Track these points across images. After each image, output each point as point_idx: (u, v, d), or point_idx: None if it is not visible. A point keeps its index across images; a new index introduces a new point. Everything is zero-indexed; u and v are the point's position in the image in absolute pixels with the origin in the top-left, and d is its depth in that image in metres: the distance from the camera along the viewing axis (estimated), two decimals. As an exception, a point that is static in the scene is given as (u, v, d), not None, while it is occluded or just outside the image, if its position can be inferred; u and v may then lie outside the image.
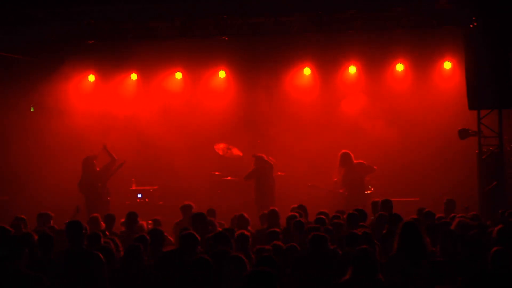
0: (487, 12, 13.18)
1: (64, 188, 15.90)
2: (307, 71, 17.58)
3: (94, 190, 15.09)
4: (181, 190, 16.48)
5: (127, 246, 7.93)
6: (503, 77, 13.11)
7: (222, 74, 17.87)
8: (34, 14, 14.36)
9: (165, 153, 17.37)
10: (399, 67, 17.25)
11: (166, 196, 16.88)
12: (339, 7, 14.14)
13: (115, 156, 15.48)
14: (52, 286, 6.65)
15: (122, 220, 11.23)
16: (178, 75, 17.97)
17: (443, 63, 17.08)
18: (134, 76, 18.03)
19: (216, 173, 17.07)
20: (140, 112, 17.83)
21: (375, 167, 15.16)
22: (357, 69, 17.38)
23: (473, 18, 13.36)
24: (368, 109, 17.25)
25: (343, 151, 15.05)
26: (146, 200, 16.79)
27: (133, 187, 17.03)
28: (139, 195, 16.85)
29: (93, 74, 17.99)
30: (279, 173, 16.00)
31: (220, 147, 16.76)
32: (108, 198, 15.34)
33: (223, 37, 14.98)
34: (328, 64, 17.30)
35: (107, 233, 10.07)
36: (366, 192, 15.17)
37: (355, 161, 14.98)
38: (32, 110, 17.46)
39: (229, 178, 16.84)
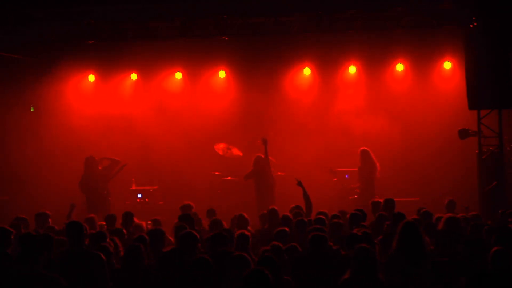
0: (487, 12, 13.18)
1: (64, 188, 15.89)
2: (307, 71, 17.58)
3: (95, 190, 15.08)
4: (181, 190, 16.46)
5: (127, 246, 7.92)
6: (503, 77, 13.11)
7: (222, 74, 17.88)
8: (34, 14, 14.36)
9: (165, 153, 17.37)
10: (399, 67, 17.25)
11: (166, 196, 16.88)
12: (339, 7, 14.15)
13: (116, 158, 15.53)
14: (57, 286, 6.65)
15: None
16: (178, 75, 17.97)
17: (443, 63, 17.08)
18: (134, 76, 18.03)
19: (216, 173, 17.07)
20: (140, 112, 17.82)
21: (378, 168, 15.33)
22: (357, 69, 17.38)
23: (473, 18, 13.36)
24: (368, 109, 17.24)
25: (362, 147, 15.37)
26: (146, 200, 16.78)
27: (133, 187, 17.02)
28: (139, 195, 16.85)
29: (93, 74, 17.98)
30: (279, 173, 16.00)
31: (220, 147, 16.76)
32: (109, 198, 15.35)
33: (223, 37, 14.98)
34: (328, 64, 17.30)
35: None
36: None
37: (374, 159, 15.22)
38: (32, 110, 17.45)
39: (229, 178, 16.84)
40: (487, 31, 13.15)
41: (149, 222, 11.33)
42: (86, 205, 14.74)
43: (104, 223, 11.08)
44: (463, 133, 14.22)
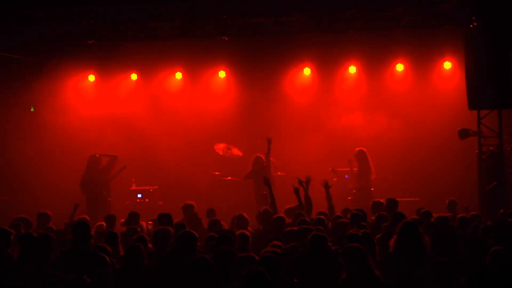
0: (487, 12, 13.17)
1: (64, 188, 15.90)
2: (307, 71, 17.58)
3: (95, 190, 15.08)
4: (181, 190, 16.46)
5: (128, 246, 7.92)
6: (503, 77, 13.11)
7: (222, 74, 17.88)
8: (34, 14, 14.37)
9: (165, 153, 17.38)
10: (399, 67, 17.25)
11: (166, 196, 16.87)
12: (339, 7, 14.15)
13: (113, 154, 15.55)
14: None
15: (122, 220, 11.22)
16: (178, 75, 17.98)
17: (443, 63, 17.08)
18: (134, 76, 18.04)
19: (216, 173, 17.07)
20: (140, 112, 17.82)
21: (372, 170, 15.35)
22: (357, 69, 17.38)
23: (473, 18, 13.36)
24: (368, 109, 17.25)
25: (359, 148, 15.37)
26: (146, 200, 16.79)
27: (133, 187, 17.02)
28: (139, 195, 16.85)
29: (93, 74, 17.99)
30: (279, 173, 16.00)
31: (220, 147, 16.75)
32: (109, 199, 15.35)
33: (223, 37, 14.98)
34: (328, 64, 17.30)
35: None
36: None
37: (370, 160, 15.23)
38: (32, 110, 17.45)
39: (229, 178, 16.83)
40: (487, 31, 13.14)
41: (149, 222, 11.33)
42: (86, 205, 14.74)
43: (104, 223, 11.08)
44: (463, 133, 14.21)
